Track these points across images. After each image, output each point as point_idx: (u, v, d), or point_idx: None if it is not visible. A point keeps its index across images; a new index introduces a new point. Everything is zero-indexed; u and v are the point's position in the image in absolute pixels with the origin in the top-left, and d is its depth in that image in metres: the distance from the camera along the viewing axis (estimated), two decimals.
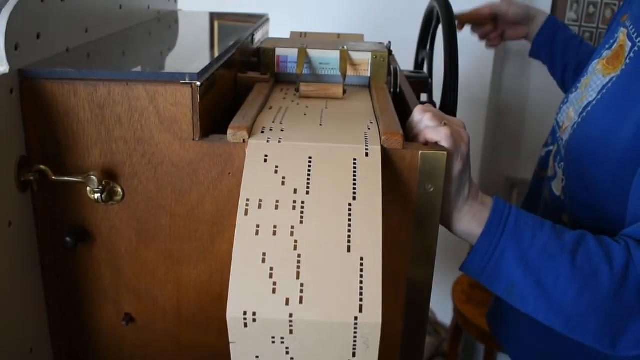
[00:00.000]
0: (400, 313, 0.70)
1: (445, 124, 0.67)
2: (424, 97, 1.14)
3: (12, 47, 0.61)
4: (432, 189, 0.64)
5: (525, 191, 1.11)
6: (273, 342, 0.54)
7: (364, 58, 0.87)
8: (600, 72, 0.86)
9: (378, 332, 0.53)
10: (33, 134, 0.64)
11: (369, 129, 0.67)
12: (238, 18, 1.13)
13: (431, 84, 1.11)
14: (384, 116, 0.69)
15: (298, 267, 0.55)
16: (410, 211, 0.65)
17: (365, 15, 1.98)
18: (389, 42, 0.92)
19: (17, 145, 0.63)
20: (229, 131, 0.63)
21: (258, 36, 0.99)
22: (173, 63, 0.83)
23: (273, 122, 0.68)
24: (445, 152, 0.63)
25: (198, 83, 0.62)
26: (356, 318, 0.53)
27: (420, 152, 0.63)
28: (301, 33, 1.03)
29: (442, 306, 2.19)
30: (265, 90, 0.79)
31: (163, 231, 0.67)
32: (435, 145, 0.65)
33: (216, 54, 0.75)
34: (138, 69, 0.72)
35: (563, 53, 1.23)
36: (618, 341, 0.70)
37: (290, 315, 0.53)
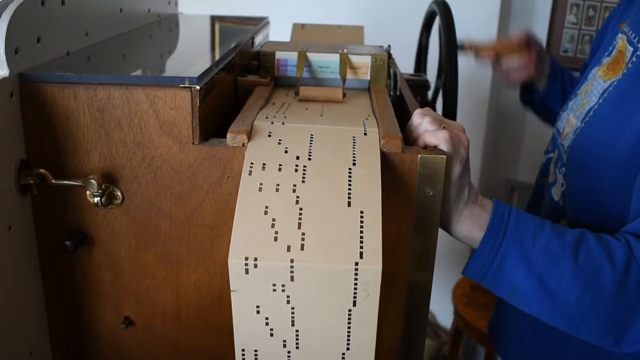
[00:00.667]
0: (400, 316, 0.70)
1: (444, 128, 0.67)
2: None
3: (12, 51, 0.61)
4: (431, 193, 0.64)
5: (526, 194, 1.11)
6: (274, 290, 0.55)
7: (363, 61, 0.87)
8: (601, 78, 0.87)
9: (378, 279, 0.54)
10: (33, 137, 0.64)
11: (367, 119, 0.71)
12: (238, 21, 1.13)
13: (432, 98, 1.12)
14: (383, 120, 0.70)
15: (300, 219, 0.56)
16: (410, 215, 0.65)
17: (365, 18, 1.99)
18: (389, 46, 0.92)
19: (17, 148, 0.63)
20: (229, 135, 0.63)
21: (258, 39, 0.99)
22: (173, 67, 0.83)
23: (277, 112, 0.71)
24: (445, 156, 0.63)
25: (197, 87, 0.62)
26: (357, 264, 0.54)
27: (419, 155, 0.63)
28: (302, 25, 1.04)
29: (442, 309, 2.19)
30: (265, 94, 0.79)
31: (162, 235, 0.67)
32: (435, 149, 0.65)
33: (216, 58, 0.75)
34: (138, 72, 0.72)
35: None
36: (623, 338, 0.70)
37: (292, 261, 0.53)
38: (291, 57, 0.87)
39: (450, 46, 0.94)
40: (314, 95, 0.80)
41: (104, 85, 0.62)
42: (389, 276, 0.68)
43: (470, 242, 0.71)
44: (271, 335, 0.57)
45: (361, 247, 0.54)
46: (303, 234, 0.55)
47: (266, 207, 0.57)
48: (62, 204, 0.66)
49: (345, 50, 0.87)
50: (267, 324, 0.57)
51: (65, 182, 0.64)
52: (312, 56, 0.86)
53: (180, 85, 0.62)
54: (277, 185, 0.59)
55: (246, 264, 0.54)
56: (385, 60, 0.87)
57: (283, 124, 0.67)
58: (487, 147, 2.08)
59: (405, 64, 1.15)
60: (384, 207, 0.59)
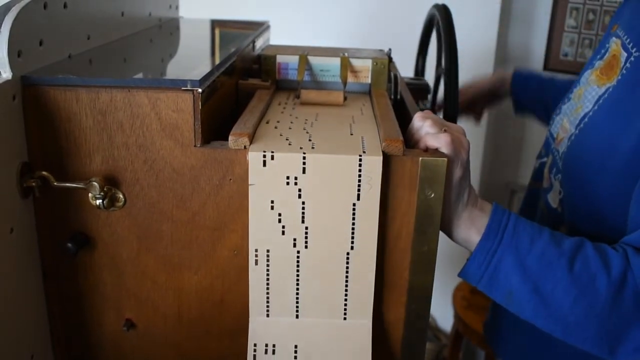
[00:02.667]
0: (400, 319, 0.70)
1: (445, 131, 0.67)
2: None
3: (14, 54, 0.61)
4: (432, 195, 0.64)
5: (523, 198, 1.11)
6: (287, 184, 0.62)
7: (364, 65, 0.87)
8: (595, 83, 0.86)
9: (380, 170, 0.62)
10: (35, 140, 0.64)
11: (364, 105, 0.82)
12: (239, 25, 1.13)
13: (433, 90, 1.12)
14: (384, 123, 0.70)
15: (310, 139, 0.65)
16: (411, 217, 0.65)
17: (365, 22, 1.99)
18: (389, 49, 0.92)
19: (19, 151, 0.63)
20: (230, 138, 0.63)
21: (259, 43, 0.99)
22: (174, 70, 0.83)
23: (287, 99, 0.82)
24: (446, 159, 0.64)
25: (199, 90, 0.62)
26: (360, 155, 0.62)
27: (420, 158, 0.64)
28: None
29: (442, 312, 2.19)
30: (266, 97, 0.79)
31: (164, 237, 0.67)
32: (436, 152, 0.66)
33: (217, 61, 0.75)
34: (140, 75, 0.72)
35: (540, 95, 1.23)
36: (617, 348, 0.70)
37: (304, 153, 0.62)
38: (292, 60, 0.87)
39: (451, 50, 0.94)
40: (314, 99, 0.80)
41: (106, 88, 0.62)
42: (389, 279, 0.68)
43: (468, 246, 0.71)
44: (283, 233, 0.63)
45: (363, 148, 0.63)
46: (313, 143, 0.64)
47: (281, 134, 0.66)
48: (64, 206, 0.66)
49: (346, 54, 0.87)
50: (279, 220, 0.63)
51: (68, 184, 0.64)
52: (313, 59, 0.87)
53: (182, 88, 0.62)
54: (290, 126, 0.69)
55: (264, 156, 0.62)
56: (385, 64, 0.87)
57: (293, 108, 0.77)
58: (487, 150, 2.08)
59: (406, 68, 1.16)
60: (385, 210, 0.60)
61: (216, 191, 0.65)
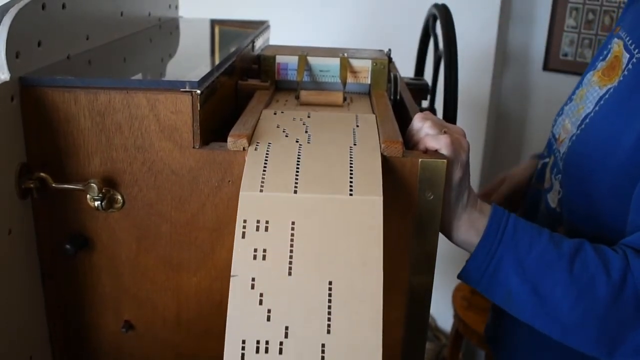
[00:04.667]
0: (400, 319, 0.70)
1: (445, 132, 0.67)
2: (423, 103, 1.14)
3: (13, 55, 0.61)
4: (432, 197, 0.64)
5: (525, 199, 1.10)
6: (294, 120, 0.71)
7: (364, 65, 0.87)
8: (597, 84, 0.86)
9: (374, 118, 0.73)
10: (34, 141, 0.64)
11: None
12: (239, 25, 1.13)
13: (433, 91, 1.12)
14: (383, 123, 0.70)
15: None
16: (410, 218, 0.65)
17: (365, 22, 1.99)
18: (389, 50, 0.92)
19: (18, 152, 0.63)
20: (229, 139, 0.63)
21: (259, 43, 0.99)
22: (174, 70, 0.83)
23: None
24: (445, 160, 0.64)
25: (198, 91, 0.62)
26: (357, 114, 0.74)
27: (420, 159, 0.63)
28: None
29: (442, 312, 2.19)
30: (266, 98, 0.79)
31: (163, 238, 0.67)
32: (435, 153, 0.65)
33: (217, 62, 0.75)
34: (139, 76, 0.72)
35: None
36: (616, 350, 0.70)
37: (309, 113, 0.74)
38: (291, 61, 0.87)
39: (451, 50, 0.94)
40: (314, 99, 0.80)
41: (105, 89, 0.62)
42: (389, 280, 0.68)
43: (467, 247, 0.71)
44: (286, 136, 0.67)
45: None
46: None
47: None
48: (62, 207, 0.66)
49: (345, 54, 0.87)
50: (283, 131, 0.68)
51: (66, 185, 0.64)
52: (313, 60, 0.87)
53: (181, 90, 0.62)
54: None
55: (275, 112, 0.73)
56: (385, 64, 0.87)
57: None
58: (487, 151, 2.08)
59: (406, 68, 1.15)
60: (385, 211, 0.59)
61: (215, 192, 0.65)
